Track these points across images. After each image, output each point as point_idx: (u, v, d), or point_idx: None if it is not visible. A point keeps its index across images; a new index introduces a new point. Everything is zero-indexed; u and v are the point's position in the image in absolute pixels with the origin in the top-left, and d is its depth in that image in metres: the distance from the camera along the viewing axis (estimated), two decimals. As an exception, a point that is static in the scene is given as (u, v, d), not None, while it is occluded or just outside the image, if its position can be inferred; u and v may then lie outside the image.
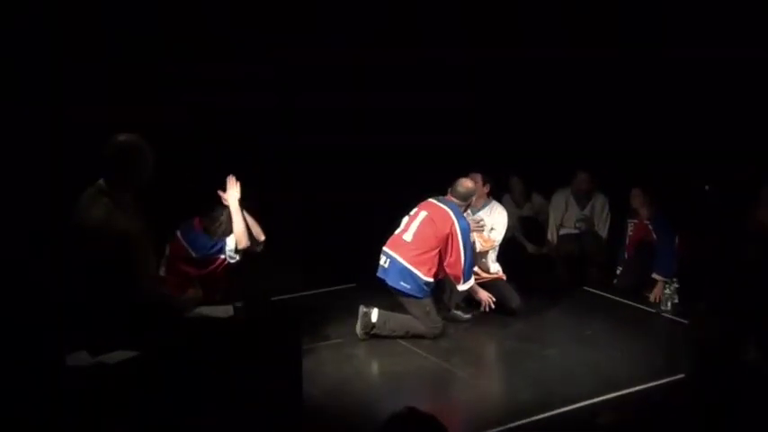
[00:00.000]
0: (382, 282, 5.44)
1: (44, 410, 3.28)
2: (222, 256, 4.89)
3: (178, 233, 4.94)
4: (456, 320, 5.79)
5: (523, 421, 4.13)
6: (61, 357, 3.45)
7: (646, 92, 6.69)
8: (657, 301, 6.18)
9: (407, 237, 5.43)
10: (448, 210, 5.40)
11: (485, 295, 5.71)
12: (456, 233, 5.33)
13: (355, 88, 6.20)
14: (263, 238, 5.04)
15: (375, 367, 5.07)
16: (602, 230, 6.91)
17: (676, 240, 6.32)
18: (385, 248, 5.50)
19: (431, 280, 5.39)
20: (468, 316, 5.85)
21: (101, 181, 3.55)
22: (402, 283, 5.35)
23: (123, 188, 3.56)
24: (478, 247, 5.80)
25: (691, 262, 6.30)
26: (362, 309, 5.37)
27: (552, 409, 4.26)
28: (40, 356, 3.56)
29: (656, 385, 4.58)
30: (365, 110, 6.27)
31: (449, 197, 5.52)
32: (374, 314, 5.34)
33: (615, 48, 6.73)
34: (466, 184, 5.56)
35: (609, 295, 6.48)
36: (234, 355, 3.65)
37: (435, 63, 6.57)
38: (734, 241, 4.81)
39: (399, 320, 5.40)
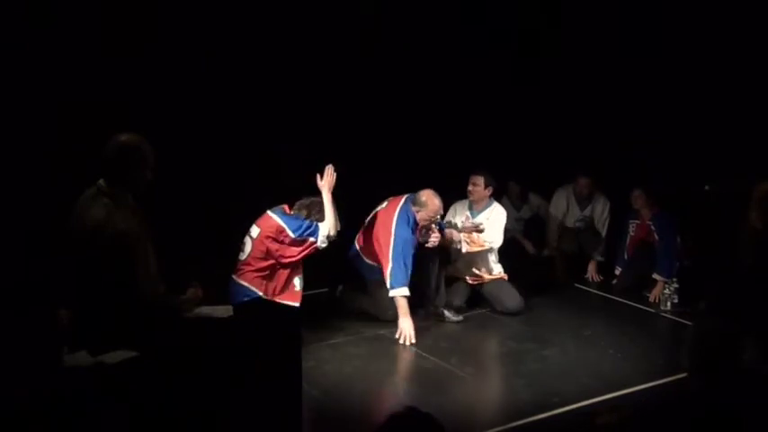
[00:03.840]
0: None
1: (44, 410, 3.28)
2: (312, 239, 5.16)
3: (270, 213, 5.23)
4: (444, 320, 5.74)
5: (523, 421, 4.13)
6: (61, 357, 3.45)
7: (645, 92, 6.69)
8: (657, 301, 6.18)
9: (366, 220, 5.70)
10: (396, 212, 5.45)
11: (405, 327, 5.25)
12: (390, 237, 5.36)
13: (356, 89, 6.20)
14: (339, 227, 5.26)
15: (375, 367, 5.06)
16: (602, 230, 6.90)
17: (678, 241, 6.33)
18: None
19: (374, 264, 5.53)
20: (457, 318, 5.75)
21: (101, 181, 3.55)
22: (354, 259, 5.70)
23: (124, 188, 3.56)
24: (465, 249, 5.79)
25: (691, 262, 6.31)
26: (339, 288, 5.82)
27: (552, 410, 4.27)
28: (40, 356, 3.56)
29: (656, 385, 4.59)
30: (366, 112, 6.27)
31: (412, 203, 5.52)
32: (339, 289, 5.80)
33: (616, 48, 6.75)
34: (426, 198, 5.44)
35: (609, 295, 6.48)
36: (234, 355, 3.65)
37: (434, 66, 6.58)
38: (733, 242, 4.81)
39: (359, 296, 5.70)
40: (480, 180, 5.92)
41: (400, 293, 5.31)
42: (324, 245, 5.19)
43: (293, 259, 5.20)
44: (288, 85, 5.91)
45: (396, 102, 6.38)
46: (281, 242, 5.17)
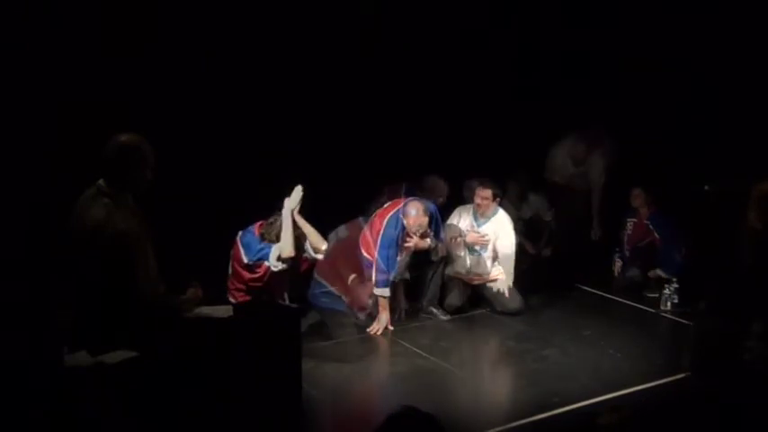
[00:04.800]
0: None
1: (44, 410, 3.28)
2: (267, 263, 5.05)
3: (238, 235, 5.19)
4: (432, 318, 5.82)
5: (523, 421, 4.14)
6: (61, 357, 3.45)
7: (645, 92, 6.69)
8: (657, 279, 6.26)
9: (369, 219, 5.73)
10: (389, 214, 5.53)
11: (382, 321, 5.47)
12: (378, 237, 5.47)
13: (356, 89, 6.19)
14: (323, 246, 5.20)
15: (375, 367, 5.07)
16: (598, 184, 6.89)
17: (678, 238, 6.35)
18: None
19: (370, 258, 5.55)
20: (445, 317, 5.82)
21: (101, 181, 3.55)
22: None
23: (124, 188, 3.56)
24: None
25: (691, 262, 6.31)
26: None
27: (552, 410, 4.27)
28: (40, 356, 3.56)
29: (656, 385, 4.59)
30: (366, 112, 6.27)
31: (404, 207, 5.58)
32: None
33: (616, 47, 6.75)
34: (409, 208, 5.50)
35: (608, 295, 6.48)
36: (234, 355, 3.66)
37: (434, 66, 6.58)
38: (733, 242, 4.82)
39: None
40: (489, 193, 5.88)
41: (381, 294, 5.45)
42: (276, 268, 5.04)
43: (258, 284, 5.11)
44: (288, 86, 5.90)
45: (396, 102, 6.37)
46: (241, 266, 5.14)
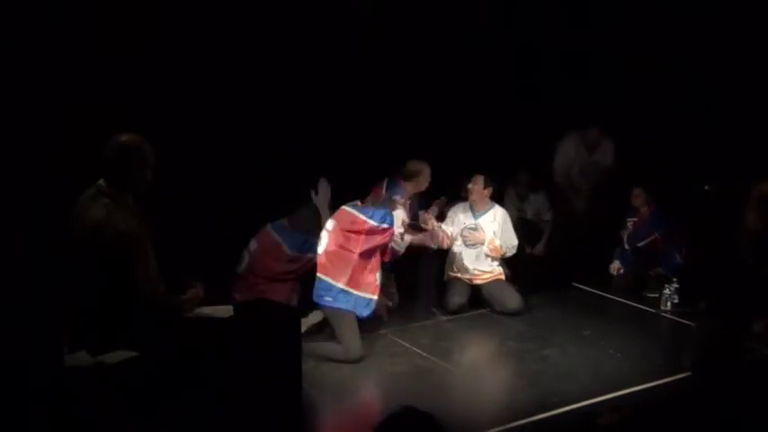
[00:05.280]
0: None
1: (44, 410, 3.28)
2: (311, 254, 5.18)
3: (269, 228, 5.32)
4: (432, 317, 5.83)
5: (523, 421, 4.14)
6: (61, 357, 3.45)
7: (646, 92, 6.69)
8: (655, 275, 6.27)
9: None
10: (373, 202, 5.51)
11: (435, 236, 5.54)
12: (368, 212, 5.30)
13: (356, 89, 6.19)
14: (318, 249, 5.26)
15: (375, 367, 5.06)
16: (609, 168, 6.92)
17: (678, 237, 6.35)
18: None
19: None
20: (445, 317, 5.85)
21: (101, 181, 3.55)
22: None
23: (124, 188, 3.56)
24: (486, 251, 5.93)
25: (691, 262, 6.31)
26: None
27: (552, 410, 4.27)
28: (40, 356, 3.56)
29: (656, 385, 4.59)
30: (366, 112, 6.27)
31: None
32: None
33: (616, 47, 6.75)
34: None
35: (608, 295, 6.48)
36: (234, 355, 3.66)
37: (435, 65, 6.58)
38: (732, 242, 4.82)
39: None
40: (480, 179, 5.94)
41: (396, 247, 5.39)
42: None
43: (289, 276, 5.24)
44: (288, 85, 5.91)
45: (396, 102, 6.37)
46: (277, 258, 5.23)
